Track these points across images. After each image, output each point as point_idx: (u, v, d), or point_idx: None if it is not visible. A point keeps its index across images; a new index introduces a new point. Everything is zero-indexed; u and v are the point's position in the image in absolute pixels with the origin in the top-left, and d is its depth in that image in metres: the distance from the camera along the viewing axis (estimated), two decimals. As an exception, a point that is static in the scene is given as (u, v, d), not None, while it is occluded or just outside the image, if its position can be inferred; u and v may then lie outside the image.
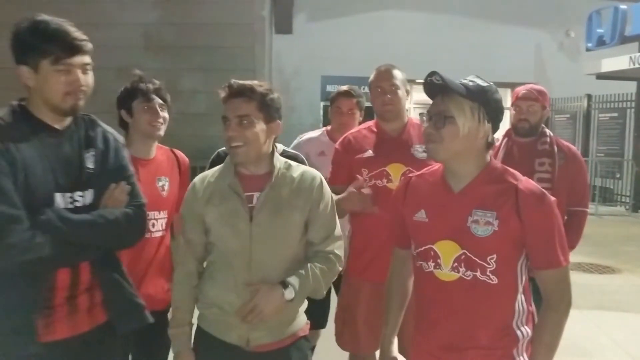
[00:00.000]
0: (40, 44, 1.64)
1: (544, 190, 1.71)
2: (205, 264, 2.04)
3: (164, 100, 2.47)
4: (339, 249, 2.03)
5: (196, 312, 2.05)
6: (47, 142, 1.72)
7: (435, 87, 1.70)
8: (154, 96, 2.42)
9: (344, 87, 3.49)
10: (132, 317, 1.91)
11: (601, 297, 5.59)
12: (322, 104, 11.10)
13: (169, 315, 2.07)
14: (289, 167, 1.99)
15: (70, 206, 1.73)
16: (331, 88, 11.03)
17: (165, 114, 2.46)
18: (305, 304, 2.06)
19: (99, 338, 1.84)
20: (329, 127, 3.53)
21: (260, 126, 1.89)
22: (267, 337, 1.94)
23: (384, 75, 2.76)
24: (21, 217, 1.59)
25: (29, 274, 1.65)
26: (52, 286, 1.71)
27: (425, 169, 1.92)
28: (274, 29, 11.52)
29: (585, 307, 5.13)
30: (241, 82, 1.90)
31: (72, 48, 1.66)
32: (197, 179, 2.02)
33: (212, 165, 2.83)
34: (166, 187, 2.45)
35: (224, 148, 2.92)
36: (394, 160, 2.65)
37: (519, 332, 1.74)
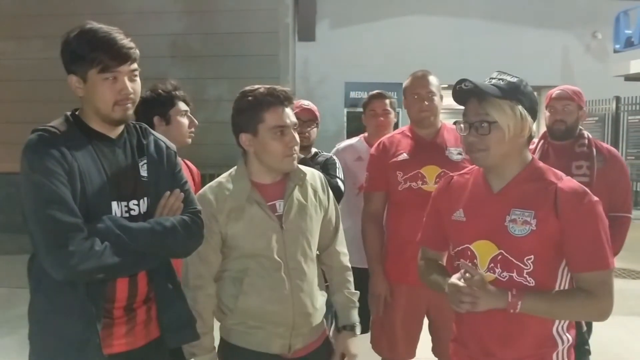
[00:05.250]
0: (88, 52, 1.62)
1: (586, 189, 1.65)
2: (226, 280, 1.97)
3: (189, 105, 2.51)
4: (343, 245, 2.18)
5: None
6: (102, 151, 1.71)
7: (465, 93, 1.67)
8: (188, 101, 2.46)
9: (376, 91, 3.55)
10: (184, 332, 1.88)
11: (634, 303, 5.47)
12: (345, 110, 11.09)
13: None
14: (301, 172, 2.00)
15: (126, 215, 1.72)
16: (355, 94, 11.02)
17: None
18: (324, 303, 2.07)
19: (151, 354, 1.82)
20: (366, 134, 3.55)
21: None
22: (306, 340, 1.98)
23: (421, 81, 2.73)
24: (80, 225, 1.58)
25: (89, 284, 1.64)
26: (112, 297, 1.70)
27: (467, 169, 1.90)
28: (297, 37, 11.57)
29: (619, 313, 5.00)
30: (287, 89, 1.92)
31: (119, 56, 1.65)
32: (207, 194, 1.95)
33: None
34: None
35: None
36: (428, 162, 2.64)
37: (559, 339, 1.69)
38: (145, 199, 1.77)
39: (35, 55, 8.64)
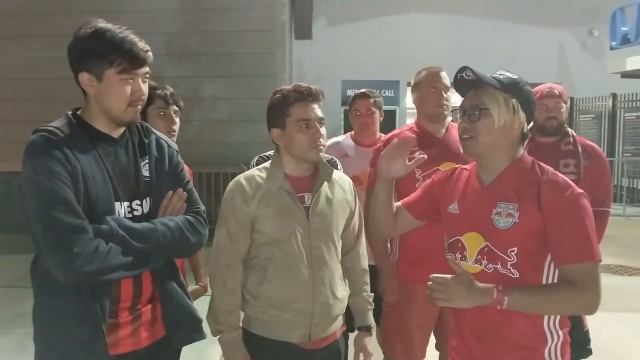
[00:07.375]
0: (108, 52, 1.60)
1: (570, 182, 1.66)
2: (252, 267, 2.04)
3: (179, 106, 2.46)
4: (364, 248, 2.27)
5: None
6: (105, 151, 1.69)
7: (466, 82, 1.71)
8: (171, 102, 2.42)
9: (361, 90, 3.58)
10: (189, 331, 1.88)
11: (631, 299, 5.48)
12: (342, 108, 11.10)
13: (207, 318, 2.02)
14: (329, 168, 2.10)
15: (129, 215, 1.71)
16: (351, 92, 10.97)
17: (178, 121, 2.45)
18: (346, 296, 2.15)
19: (156, 354, 1.82)
20: (352, 132, 3.63)
21: None
22: (326, 331, 2.05)
23: (439, 76, 2.74)
24: (85, 227, 1.57)
25: (94, 285, 1.63)
26: (117, 297, 1.70)
27: (470, 164, 1.92)
28: (294, 35, 11.57)
29: (615, 310, 5.04)
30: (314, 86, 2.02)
31: (139, 60, 1.64)
32: (242, 180, 2.03)
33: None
34: None
35: (267, 153, 3.02)
36: (445, 159, 2.61)
37: (549, 335, 1.70)
38: (148, 199, 1.76)
39: (31, 54, 8.60)
